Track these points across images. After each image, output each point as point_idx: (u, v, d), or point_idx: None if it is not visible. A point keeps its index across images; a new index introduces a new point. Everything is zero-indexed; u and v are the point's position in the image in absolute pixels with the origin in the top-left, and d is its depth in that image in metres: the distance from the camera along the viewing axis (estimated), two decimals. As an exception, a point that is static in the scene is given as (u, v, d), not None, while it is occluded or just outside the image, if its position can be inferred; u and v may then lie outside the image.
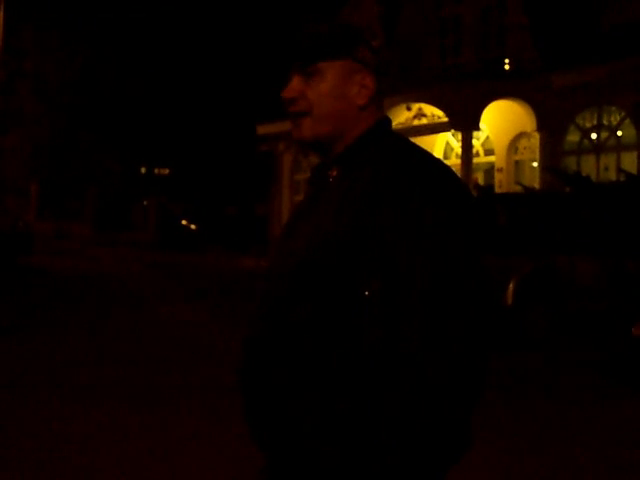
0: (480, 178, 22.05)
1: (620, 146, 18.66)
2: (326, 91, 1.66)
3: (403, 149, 1.64)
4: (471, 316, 1.49)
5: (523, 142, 20.96)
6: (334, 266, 1.53)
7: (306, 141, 1.71)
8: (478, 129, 19.79)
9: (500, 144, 21.20)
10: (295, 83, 1.68)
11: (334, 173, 1.68)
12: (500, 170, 21.22)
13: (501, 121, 20.39)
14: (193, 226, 32.44)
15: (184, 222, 32.50)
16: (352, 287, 1.51)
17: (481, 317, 1.52)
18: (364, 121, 1.68)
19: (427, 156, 1.63)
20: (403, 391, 1.46)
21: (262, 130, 25.53)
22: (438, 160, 1.64)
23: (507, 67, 20.39)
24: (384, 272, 1.49)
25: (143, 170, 40.40)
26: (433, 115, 20.37)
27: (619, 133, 18.71)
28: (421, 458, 1.47)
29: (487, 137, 21.53)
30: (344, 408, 1.51)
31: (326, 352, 1.53)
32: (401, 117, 20.72)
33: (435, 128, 20.68)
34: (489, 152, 21.77)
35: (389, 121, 1.73)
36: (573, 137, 19.60)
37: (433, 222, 1.50)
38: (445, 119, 19.79)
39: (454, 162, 21.70)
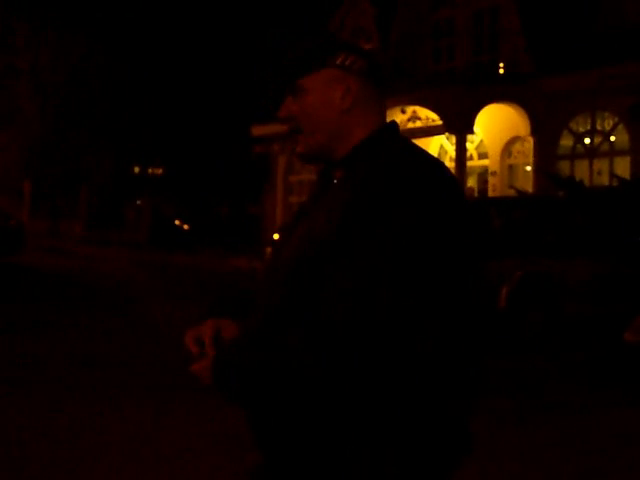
0: (473, 182, 22.08)
1: (613, 151, 18.71)
2: (310, 104, 1.69)
3: (402, 152, 1.64)
4: (435, 310, 1.50)
5: (517, 146, 21.00)
6: (320, 264, 1.55)
7: (303, 156, 1.74)
8: (472, 132, 19.82)
9: (494, 148, 21.23)
10: (286, 103, 1.73)
11: (339, 174, 1.70)
12: (494, 174, 21.25)
13: (495, 125, 20.42)
14: (186, 226, 32.36)
15: (177, 222, 32.42)
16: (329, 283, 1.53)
17: (449, 310, 1.52)
18: (357, 125, 1.70)
19: (427, 162, 1.62)
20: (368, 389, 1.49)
21: (257, 131, 25.53)
22: (440, 167, 1.62)
23: (501, 71, 20.43)
24: (352, 266, 1.50)
25: (136, 169, 40.31)
26: (427, 118, 20.38)
27: (612, 138, 18.76)
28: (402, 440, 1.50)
29: (481, 141, 21.56)
30: (327, 401, 1.53)
31: (311, 346, 1.53)
32: (395, 120, 20.71)
33: (429, 131, 20.69)
34: (483, 156, 21.80)
35: (396, 125, 1.74)
36: (567, 142, 19.64)
37: (402, 223, 1.50)
38: (439, 122, 19.80)
39: (448, 165, 21.69)
